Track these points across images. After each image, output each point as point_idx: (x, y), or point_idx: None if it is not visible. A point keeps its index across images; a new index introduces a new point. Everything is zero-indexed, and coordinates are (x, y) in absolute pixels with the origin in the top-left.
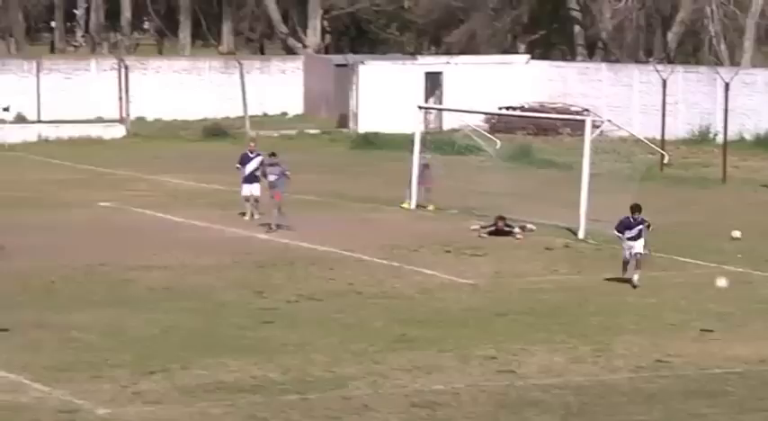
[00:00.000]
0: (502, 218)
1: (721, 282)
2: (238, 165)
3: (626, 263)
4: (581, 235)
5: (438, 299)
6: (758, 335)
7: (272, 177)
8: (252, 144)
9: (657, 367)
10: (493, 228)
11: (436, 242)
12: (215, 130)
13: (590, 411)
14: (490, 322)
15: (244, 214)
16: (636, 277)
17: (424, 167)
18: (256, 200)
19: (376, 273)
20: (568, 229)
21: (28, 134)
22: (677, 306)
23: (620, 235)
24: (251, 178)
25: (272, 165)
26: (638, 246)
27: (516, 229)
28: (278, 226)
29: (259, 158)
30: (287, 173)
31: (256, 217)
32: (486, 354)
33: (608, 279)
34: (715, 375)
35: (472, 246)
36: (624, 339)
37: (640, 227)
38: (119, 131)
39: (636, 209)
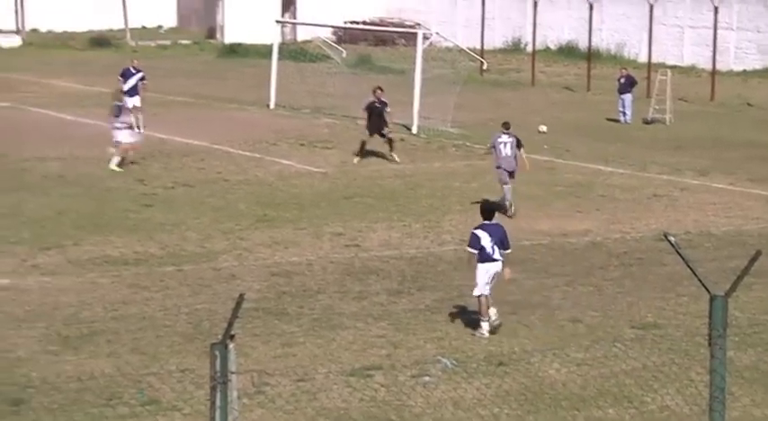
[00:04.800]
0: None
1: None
2: (120, 78)
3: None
4: (414, 130)
5: (294, 185)
6: (560, 212)
7: None
8: (135, 61)
9: None
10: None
11: (292, 137)
12: (100, 40)
13: (421, 277)
14: (338, 204)
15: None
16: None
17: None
18: (139, 111)
19: (240, 164)
20: (404, 125)
21: None
22: (495, 189)
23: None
24: (131, 92)
25: None
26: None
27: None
28: None
29: (140, 75)
30: None
31: (142, 127)
32: (335, 231)
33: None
34: (524, 246)
35: (322, 140)
36: (450, 218)
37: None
38: (15, 41)
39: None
